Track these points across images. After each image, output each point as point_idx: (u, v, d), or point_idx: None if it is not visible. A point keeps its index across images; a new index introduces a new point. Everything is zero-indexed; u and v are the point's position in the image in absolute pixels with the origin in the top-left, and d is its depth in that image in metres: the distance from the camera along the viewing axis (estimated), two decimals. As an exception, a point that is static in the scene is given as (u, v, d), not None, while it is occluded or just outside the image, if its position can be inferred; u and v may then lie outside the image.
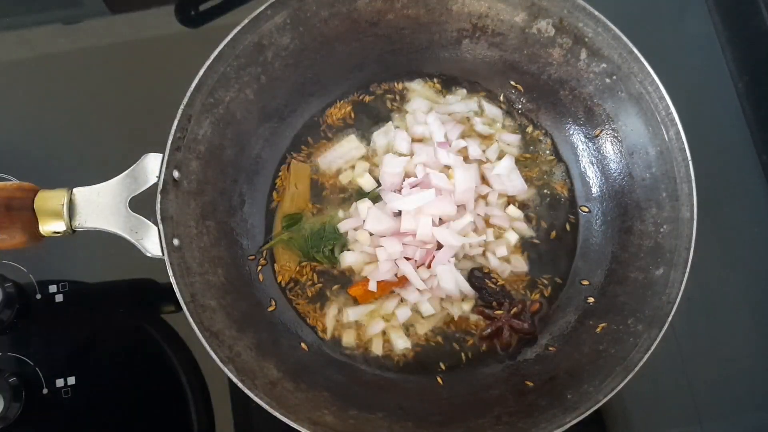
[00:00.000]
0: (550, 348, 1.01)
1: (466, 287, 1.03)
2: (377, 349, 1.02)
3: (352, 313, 1.03)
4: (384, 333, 1.03)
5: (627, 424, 1.05)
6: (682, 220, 0.94)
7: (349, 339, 1.03)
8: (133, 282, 1.08)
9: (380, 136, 1.10)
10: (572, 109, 1.09)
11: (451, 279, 1.01)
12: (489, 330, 1.02)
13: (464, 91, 1.14)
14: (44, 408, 1.01)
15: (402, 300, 1.03)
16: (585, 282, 1.04)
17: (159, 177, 0.90)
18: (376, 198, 1.06)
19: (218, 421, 1.03)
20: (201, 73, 0.94)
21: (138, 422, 1.03)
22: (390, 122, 1.11)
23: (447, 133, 1.09)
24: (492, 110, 1.13)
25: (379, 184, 1.07)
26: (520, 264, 1.06)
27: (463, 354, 1.02)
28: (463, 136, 1.10)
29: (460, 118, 1.12)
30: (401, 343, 1.02)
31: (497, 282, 1.05)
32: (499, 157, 1.09)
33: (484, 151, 1.10)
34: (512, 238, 1.06)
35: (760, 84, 1.18)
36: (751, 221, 1.15)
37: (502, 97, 1.13)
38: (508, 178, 1.07)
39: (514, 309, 1.02)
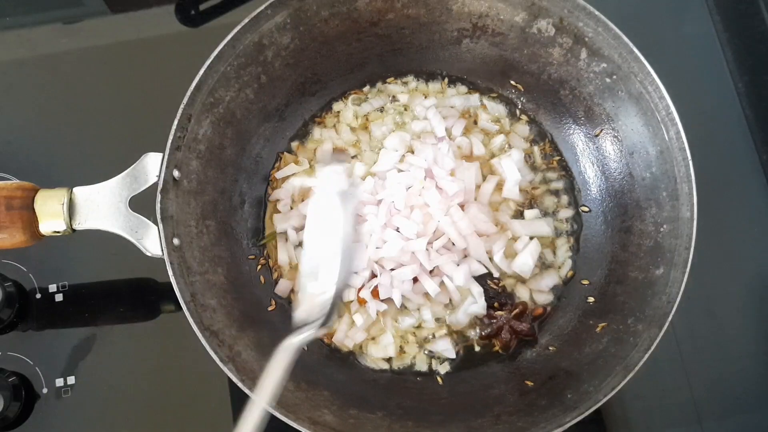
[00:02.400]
0: (550, 348, 1.01)
1: (478, 291, 1.03)
2: (377, 350, 1.02)
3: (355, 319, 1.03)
4: (383, 335, 1.03)
5: (627, 424, 1.05)
6: (682, 220, 0.94)
7: (349, 341, 1.02)
8: (133, 282, 1.08)
9: (379, 130, 1.10)
10: (572, 108, 1.09)
11: (462, 277, 1.01)
12: (488, 330, 1.02)
13: (464, 88, 1.14)
14: (44, 407, 1.01)
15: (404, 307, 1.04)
16: (585, 282, 1.04)
17: (159, 176, 0.90)
18: None
19: (218, 421, 1.02)
20: (201, 72, 0.94)
21: (138, 422, 1.03)
22: (389, 119, 1.11)
23: (451, 128, 1.09)
24: (495, 107, 1.13)
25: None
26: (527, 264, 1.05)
27: (463, 353, 1.02)
28: (465, 132, 1.10)
29: (461, 110, 1.12)
30: (395, 348, 1.02)
31: (499, 283, 1.05)
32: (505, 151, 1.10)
33: (493, 154, 1.10)
34: (524, 240, 1.06)
35: (760, 84, 1.18)
36: (751, 221, 1.15)
37: (502, 97, 1.14)
38: (518, 171, 1.07)
39: (516, 310, 1.02)
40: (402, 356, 1.02)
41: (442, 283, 1.02)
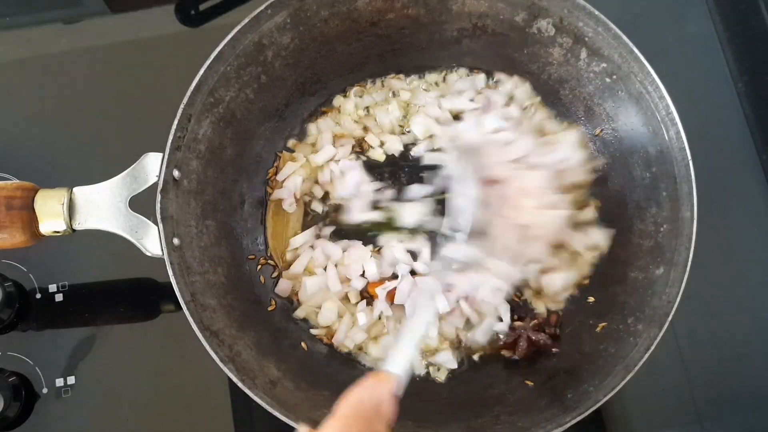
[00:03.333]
0: (551, 348, 1.01)
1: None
2: (377, 350, 1.02)
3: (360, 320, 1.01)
4: (385, 336, 1.02)
5: (627, 424, 1.05)
6: (682, 220, 0.94)
7: (349, 341, 1.02)
8: (133, 281, 1.08)
9: (381, 114, 1.10)
10: (572, 108, 1.09)
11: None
12: (504, 339, 1.00)
13: (464, 70, 1.13)
14: (44, 408, 1.01)
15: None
16: (585, 282, 1.04)
17: (159, 176, 0.90)
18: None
19: (218, 421, 1.02)
20: (201, 72, 0.94)
21: (138, 422, 1.03)
22: (392, 97, 1.10)
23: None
24: (510, 85, 1.11)
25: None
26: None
27: (466, 358, 1.02)
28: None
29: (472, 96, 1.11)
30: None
31: (521, 296, 1.04)
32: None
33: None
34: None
35: (760, 84, 1.18)
36: (751, 221, 1.15)
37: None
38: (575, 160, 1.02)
39: (534, 321, 1.01)
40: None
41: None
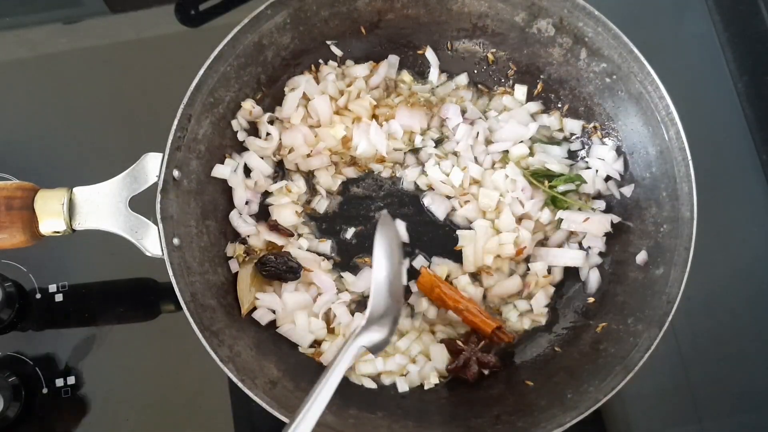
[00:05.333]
0: (550, 348, 1.01)
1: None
2: (365, 366, 0.99)
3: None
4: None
5: (627, 424, 1.05)
6: (682, 220, 0.94)
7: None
8: (133, 282, 1.08)
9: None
10: (572, 108, 1.08)
11: None
12: (455, 363, 0.98)
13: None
14: (44, 408, 1.01)
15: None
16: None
17: (159, 176, 0.90)
18: None
19: (218, 421, 1.02)
20: (201, 72, 0.94)
21: (138, 422, 1.03)
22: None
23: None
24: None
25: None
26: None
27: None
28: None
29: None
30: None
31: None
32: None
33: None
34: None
35: (760, 84, 1.19)
36: (751, 221, 1.15)
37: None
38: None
39: (481, 343, 0.98)
40: (390, 374, 1.00)
41: None
